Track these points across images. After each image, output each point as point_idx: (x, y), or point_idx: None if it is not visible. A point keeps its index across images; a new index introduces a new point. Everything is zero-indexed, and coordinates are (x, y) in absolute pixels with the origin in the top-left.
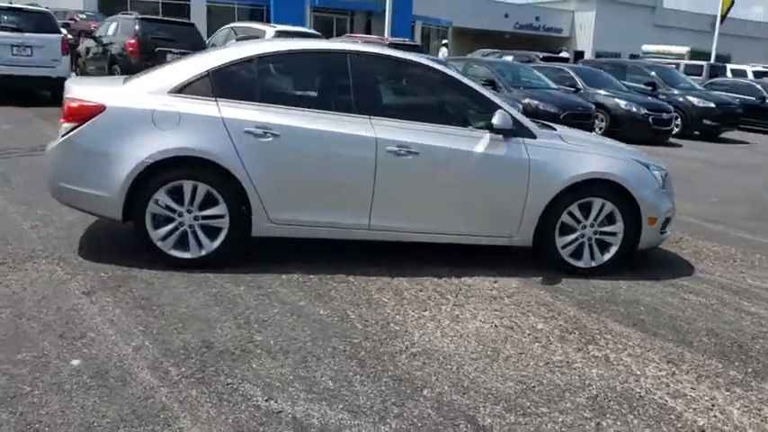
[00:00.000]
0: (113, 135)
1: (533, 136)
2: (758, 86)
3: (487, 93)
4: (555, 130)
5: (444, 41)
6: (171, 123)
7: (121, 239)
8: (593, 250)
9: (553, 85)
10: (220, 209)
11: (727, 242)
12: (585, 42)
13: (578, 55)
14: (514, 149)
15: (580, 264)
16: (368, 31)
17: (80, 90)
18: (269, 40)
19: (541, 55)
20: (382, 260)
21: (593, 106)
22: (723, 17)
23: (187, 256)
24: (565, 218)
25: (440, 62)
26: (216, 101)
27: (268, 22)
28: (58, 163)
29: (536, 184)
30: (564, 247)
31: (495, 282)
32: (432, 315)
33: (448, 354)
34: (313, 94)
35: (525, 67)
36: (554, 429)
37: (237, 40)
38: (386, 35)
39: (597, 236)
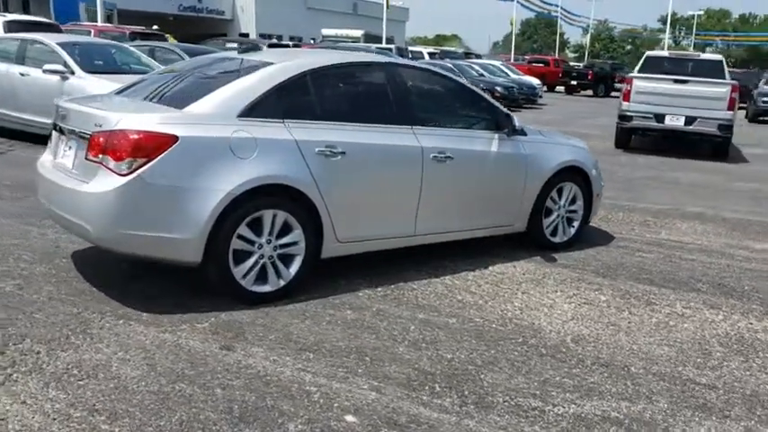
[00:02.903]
0: (190, 168)
1: (525, 134)
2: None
3: (489, 97)
4: None
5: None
6: (250, 151)
7: (165, 286)
8: (564, 227)
9: None
10: (295, 235)
11: None
12: (249, 25)
13: (242, 36)
14: (516, 146)
15: (556, 240)
16: (26, 11)
17: (135, 120)
18: (313, 54)
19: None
20: (405, 265)
21: None
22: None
23: (267, 289)
24: (548, 202)
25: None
26: (284, 122)
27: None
28: (120, 207)
29: (531, 176)
30: (547, 227)
31: (515, 267)
32: (526, 303)
33: (585, 334)
34: (362, 107)
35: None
36: (738, 376)
37: None
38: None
39: (567, 214)
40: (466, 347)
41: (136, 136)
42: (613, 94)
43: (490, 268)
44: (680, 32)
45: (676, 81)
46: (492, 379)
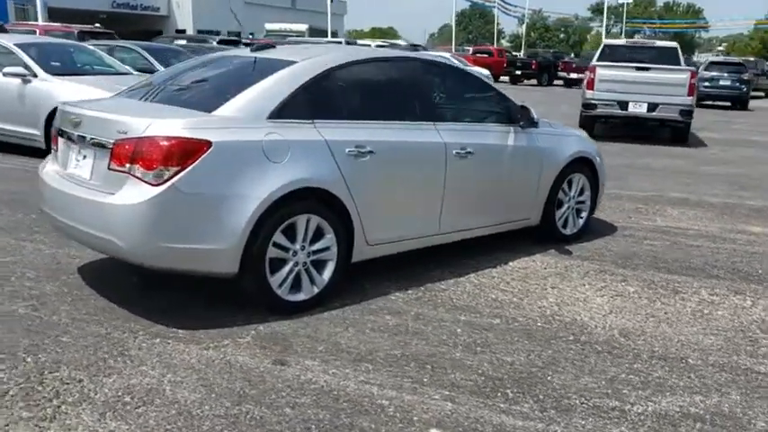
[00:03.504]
0: (225, 175)
1: (537, 125)
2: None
3: (501, 90)
4: None
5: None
6: (282, 154)
7: (183, 298)
8: (574, 218)
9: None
10: (328, 240)
11: None
12: (186, 21)
13: (179, 33)
14: (531, 139)
15: (567, 231)
16: None
17: (165, 125)
18: (331, 50)
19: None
20: (428, 265)
21: None
22: None
23: (301, 297)
24: (560, 194)
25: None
26: (313, 123)
27: None
28: (154, 219)
29: (546, 168)
30: (559, 219)
31: (534, 261)
32: (560, 298)
33: (629, 327)
34: (386, 104)
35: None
36: None
37: None
38: None
39: (576, 206)
40: (520, 349)
41: (167, 143)
42: (556, 82)
43: (511, 264)
44: (609, 20)
45: (638, 69)
46: (560, 380)
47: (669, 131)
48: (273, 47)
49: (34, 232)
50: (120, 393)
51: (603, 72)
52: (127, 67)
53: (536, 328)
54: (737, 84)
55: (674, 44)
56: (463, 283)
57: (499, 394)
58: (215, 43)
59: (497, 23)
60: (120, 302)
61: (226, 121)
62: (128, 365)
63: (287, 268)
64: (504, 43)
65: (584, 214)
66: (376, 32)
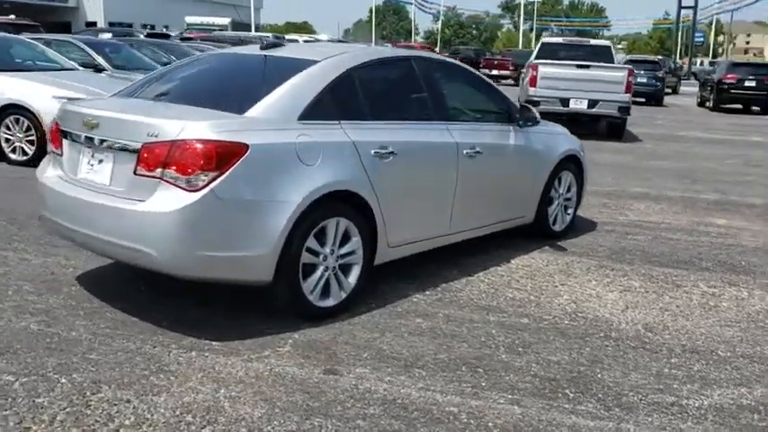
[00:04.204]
0: (262, 179)
1: (537, 123)
2: None
3: (500, 90)
4: None
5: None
6: (314, 156)
7: (202, 307)
8: (562, 215)
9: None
10: (354, 243)
11: None
12: (96, 13)
13: (90, 25)
14: (528, 137)
15: (556, 228)
16: None
17: (201, 128)
18: (347, 50)
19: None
20: (436, 264)
21: None
22: None
23: (331, 303)
24: (552, 192)
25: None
26: (339, 123)
27: None
28: (193, 227)
29: (542, 165)
30: (550, 216)
31: (533, 259)
32: (573, 295)
33: (651, 322)
34: (404, 103)
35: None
36: None
37: None
38: None
39: (564, 202)
40: (559, 348)
41: (204, 146)
42: None
43: (514, 262)
44: (519, 18)
45: (579, 66)
46: (610, 377)
47: (606, 127)
48: (282, 44)
49: (13, 240)
50: (178, 413)
51: (546, 70)
52: (71, 62)
53: (565, 326)
54: (653, 81)
55: (607, 43)
56: (475, 282)
57: (560, 395)
58: (142, 36)
59: (413, 20)
60: (137, 314)
61: (259, 123)
62: (173, 382)
63: (318, 273)
64: (419, 39)
65: (570, 211)
66: (290, 27)
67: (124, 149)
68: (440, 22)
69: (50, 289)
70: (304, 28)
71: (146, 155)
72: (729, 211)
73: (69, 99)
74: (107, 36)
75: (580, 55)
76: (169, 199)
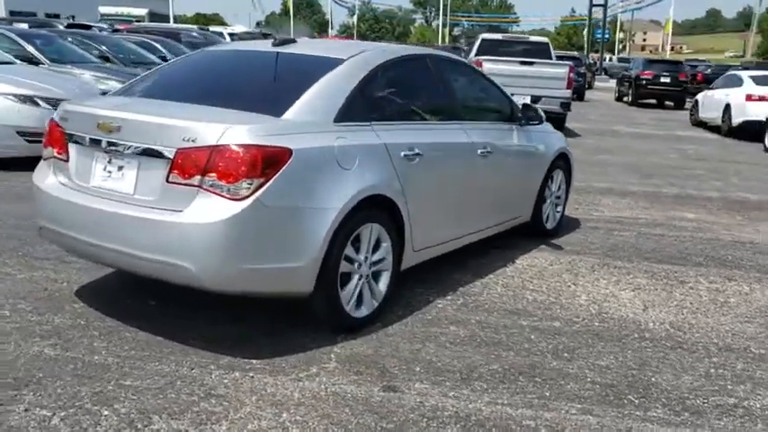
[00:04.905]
0: (304, 186)
1: (543, 123)
2: None
3: (503, 89)
4: None
5: None
6: (351, 160)
7: (220, 321)
8: (553, 213)
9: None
10: (384, 249)
11: None
12: None
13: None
14: (529, 136)
15: (549, 226)
16: None
17: (243, 132)
18: (367, 48)
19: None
20: (446, 266)
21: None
22: None
23: (364, 313)
24: (546, 191)
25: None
26: (371, 125)
27: None
28: (239, 238)
29: (540, 164)
30: (543, 214)
31: (536, 258)
32: (590, 295)
33: (675, 321)
34: (425, 103)
35: None
36: None
37: None
38: None
39: (555, 200)
40: (602, 351)
41: (249, 152)
42: None
43: (517, 262)
44: (431, 13)
45: (522, 63)
46: (665, 381)
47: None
48: (294, 41)
49: None
50: None
51: (490, 66)
52: (7, 55)
53: (597, 329)
54: (576, 77)
55: (545, 39)
56: (490, 285)
57: (625, 401)
58: (62, 27)
59: (330, 13)
60: (158, 332)
61: (298, 126)
62: (229, 408)
63: (353, 282)
64: (333, 33)
65: (559, 208)
66: (200, 19)
67: (152, 155)
68: (355, 16)
69: (51, 307)
70: (215, 20)
71: (181, 161)
72: (693, 204)
73: (16, 96)
74: (23, 26)
75: (519, 51)
76: (211, 209)
